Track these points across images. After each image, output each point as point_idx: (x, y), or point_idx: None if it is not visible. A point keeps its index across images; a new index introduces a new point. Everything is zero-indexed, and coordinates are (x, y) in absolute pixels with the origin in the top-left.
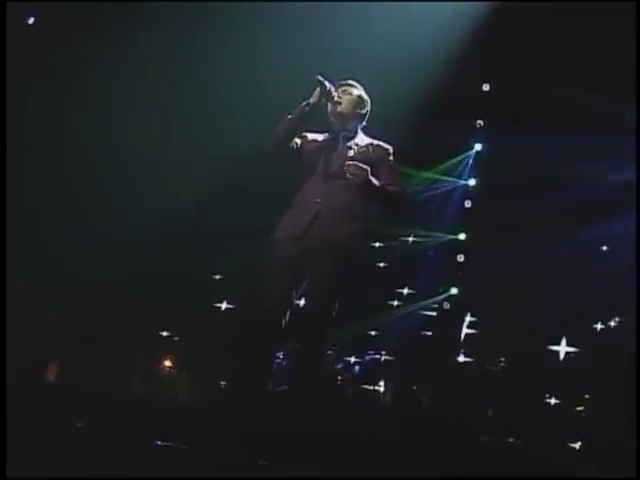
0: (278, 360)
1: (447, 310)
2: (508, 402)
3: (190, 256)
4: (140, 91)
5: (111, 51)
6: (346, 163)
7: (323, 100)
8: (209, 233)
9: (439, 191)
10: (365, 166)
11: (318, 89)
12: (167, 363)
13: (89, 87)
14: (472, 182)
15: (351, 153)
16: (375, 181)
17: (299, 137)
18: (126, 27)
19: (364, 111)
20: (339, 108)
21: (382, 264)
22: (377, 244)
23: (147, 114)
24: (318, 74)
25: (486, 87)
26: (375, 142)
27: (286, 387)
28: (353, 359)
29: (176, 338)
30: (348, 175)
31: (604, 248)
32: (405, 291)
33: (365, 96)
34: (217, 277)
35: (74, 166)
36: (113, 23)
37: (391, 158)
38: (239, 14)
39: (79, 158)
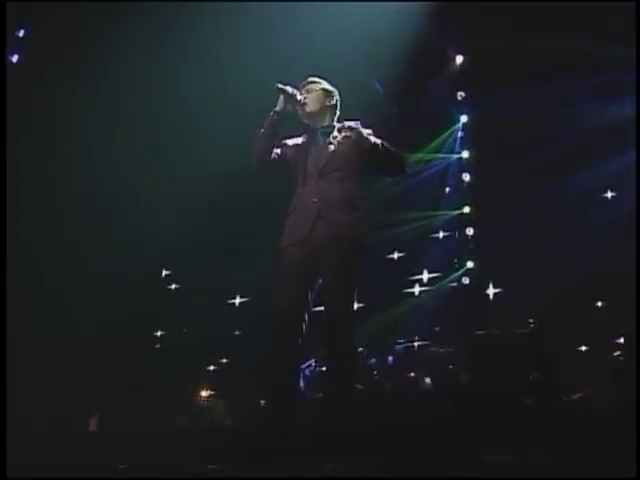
0: (311, 367)
1: (467, 284)
2: (548, 362)
3: (206, 278)
4: (111, 122)
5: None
6: (337, 126)
7: (289, 106)
8: (220, 253)
9: (435, 170)
10: (355, 124)
11: (281, 96)
12: (204, 393)
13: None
14: (465, 154)
15: (332, 147)
16: (369, 135)
17: (278, 146)
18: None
19: (333, 102)
20: (307, 108)
21: (395, 251)
22: (385, 232)
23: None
24: (277, 82)
25: (459, 59)
26: (347, 124)
27: (322, 394)
28: (385, 351)
29: (210, 367)
30: (345, 134)
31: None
32: (423, 274)
33: (329, 87)
34: (237, 300)
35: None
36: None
37: (369, 131)
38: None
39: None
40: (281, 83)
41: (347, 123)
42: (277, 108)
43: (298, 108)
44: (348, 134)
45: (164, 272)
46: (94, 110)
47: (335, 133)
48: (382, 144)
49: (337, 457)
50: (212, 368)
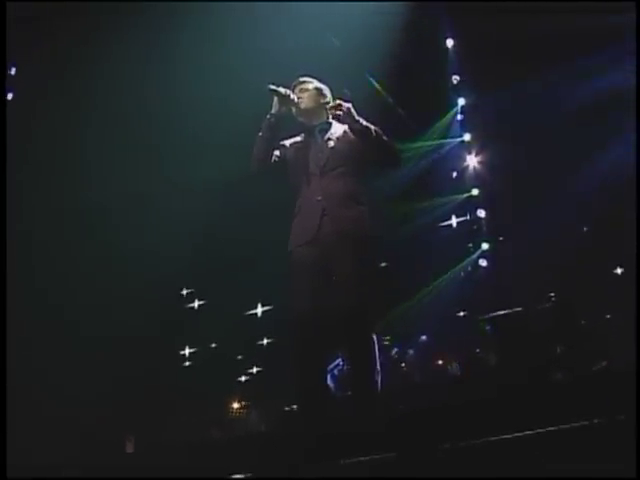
0: (339, 366)
1: (484, 267)
2: (573, 333)
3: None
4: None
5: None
6: (329, 106)
7: (284, 108)
8: (235, 264)
9: (438, 155)
10: (346, 104)
11: (275, 99)
12: (236, 404)
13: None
14: (467, 137)
15: (331, 144)
16: (359, 118)
17: (277, 148)
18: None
19: (327, 99)
20: (302, 107)
21: (410, 241)
22: (398, 223)
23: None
24: (269, 84)
25: (450, 42)
26: (338, 101)
27: (350, 393)
28: (410, 341)
29: (240, 378)
30: (336, 113)
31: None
32: (439, 261)
33: (321, 85)
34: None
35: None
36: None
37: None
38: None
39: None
40: (273, 84)
41: (338, 101)
42: (273, 110)
43: (293, 108)
44: (347, 134)
45: (184, 290)
46: (92, 123)
47: (333, 130)
48: (375, 130)
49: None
50: (242, 379)
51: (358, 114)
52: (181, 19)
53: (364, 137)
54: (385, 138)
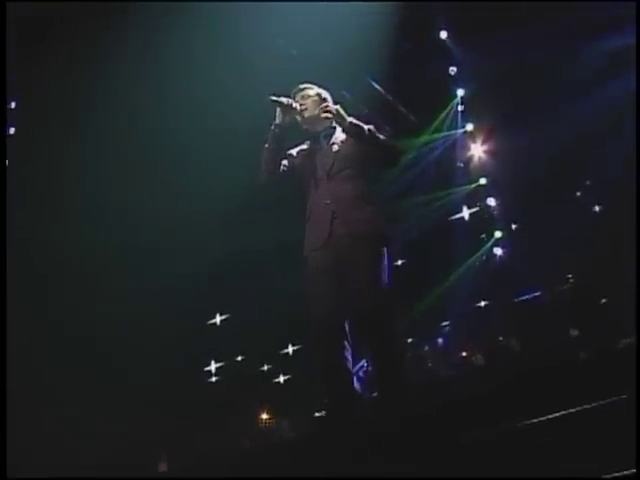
0: (364, 367)
1: (499, 255)
2: (594, 311)
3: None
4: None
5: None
6: (319, 107)
7: (287, 117)
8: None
9: (443, 148)
10: (333, 105)
11: (278, 109)
12: (265, 415)
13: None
14: (469, 127)
15: (336, 148)
16: (351, 119)
17: (285, 158)
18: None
19: (329, 103)
20: (306, 114)
21: (422, 236)
22: (409, 218)
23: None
24: (270, 95)
25: (444, 34)
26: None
27: (377, 393)
28: (432, 337)
29: (269, 388)
30: (325, 115)
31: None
32: (454, 253)
33: (322, 91)
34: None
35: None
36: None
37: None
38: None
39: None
40: (274, 95)
41: (325, 103)
42: (277, 121)
43: (297, 117)
44: (350, 138)
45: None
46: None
47: (337, 134)
48: (369, 129)
49: (402, 453)
50: (270, 388)
51: (355, 116)
52: (175, 20)
53: (357, 137)
54: (380, 136)
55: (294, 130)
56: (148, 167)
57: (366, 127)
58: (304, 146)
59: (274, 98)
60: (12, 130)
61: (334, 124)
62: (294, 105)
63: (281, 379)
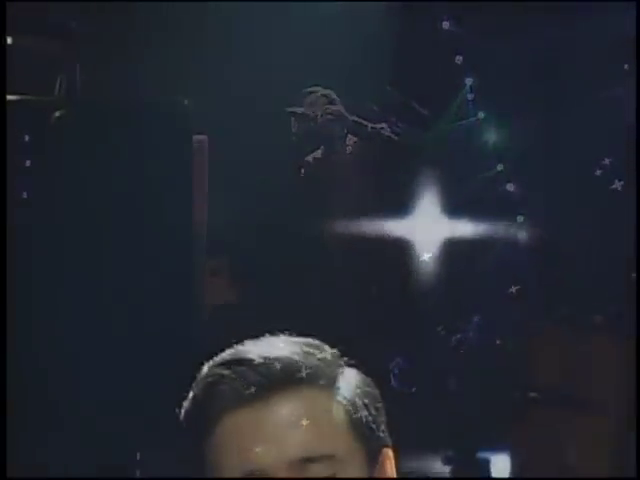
0: (399, 364)
1: (523, 240)
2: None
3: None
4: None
5: None
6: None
7: (303, 124)
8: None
9: (457, 138)
10: (333, 106)
11: (292, 119)
12: None
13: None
14: (481, 115)
15: (349, 149)
16: (353, 117)
17: (302, 166)
18: None
19: (341, 106)
20: (319, 121)
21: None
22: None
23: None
24: (286, 108)
25: (446, 25)
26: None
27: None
28: (464, 329)
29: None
30: (326, 117)
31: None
32: (477, 242)
33: (332, 94)
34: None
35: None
36: None
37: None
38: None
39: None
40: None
41: (325, 105)
42: (293, 130)
43: (311, 123)
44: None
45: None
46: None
47: (350, 136)
48: (372, 127)
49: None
50: None
51: (363, 115)
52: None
53: (360, 135)
54: (384, 133)
55: (311, 136)
56: None
57: (370, 125)
58: (319, 152)
59: (291, 109)
60: None
61: (345, 128)
62: (307, 112)
63: None
